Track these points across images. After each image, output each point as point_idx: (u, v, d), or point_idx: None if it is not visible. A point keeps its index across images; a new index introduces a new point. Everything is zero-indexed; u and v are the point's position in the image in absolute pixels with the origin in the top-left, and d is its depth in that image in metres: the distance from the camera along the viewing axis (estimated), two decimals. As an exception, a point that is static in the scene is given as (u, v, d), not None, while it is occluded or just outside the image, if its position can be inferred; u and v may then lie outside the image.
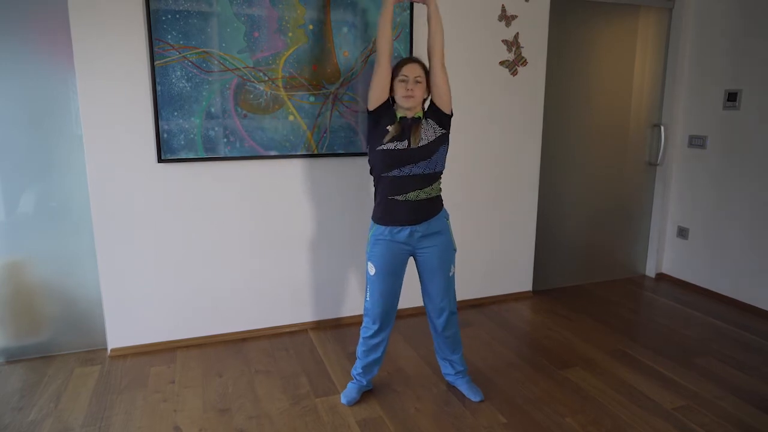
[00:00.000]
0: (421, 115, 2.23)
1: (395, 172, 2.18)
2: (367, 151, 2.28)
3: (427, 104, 2.29)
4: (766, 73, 3.30)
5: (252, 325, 3.06)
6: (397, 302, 2.35)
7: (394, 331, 3.08)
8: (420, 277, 2.36)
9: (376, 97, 2.20)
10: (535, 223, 3.62)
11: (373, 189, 2.31)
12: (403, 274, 2.32)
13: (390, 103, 2.25)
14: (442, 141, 2.23)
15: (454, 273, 2.35)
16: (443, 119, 2.25)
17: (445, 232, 2.30)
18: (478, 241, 3.45)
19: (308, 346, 2.95)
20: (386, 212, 2.23)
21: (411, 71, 2.18)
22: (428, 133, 2.20)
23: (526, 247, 3.62)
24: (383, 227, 2.25)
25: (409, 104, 2.17)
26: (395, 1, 2.20)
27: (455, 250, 2.35)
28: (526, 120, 3.42)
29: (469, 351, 2.86)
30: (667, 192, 4.00)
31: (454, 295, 2.38)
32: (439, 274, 2.29)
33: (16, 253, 2.71)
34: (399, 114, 2.21)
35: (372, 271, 2.27)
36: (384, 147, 2.17)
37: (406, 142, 2.16)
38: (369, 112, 2.23)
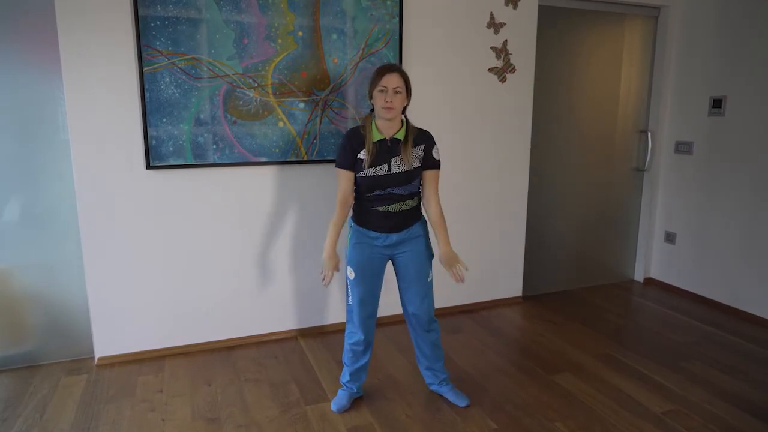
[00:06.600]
0: (402, 138, 2.19)
1: (377, 192, 2.19)
2: None
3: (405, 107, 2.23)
4: (750, 79, 3.36)
5: (241, 332, 3.04)
6: (377, 305, 2.35)
7: (384, 339, 3.07)
8: (398, 283, 2.36)
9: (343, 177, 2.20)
10: (525, 228, 3.64)
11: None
12: (383, 276, 2.33)
13: (358, 133, 2.19)
14: (422, 168, 2.24)
15: (431, 279, 2.36)
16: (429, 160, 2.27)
17: (423, 238, 2.31)
18: (468, 247, 3.46)
19: (297, 353, 2.93)
20: (367, 219, 2.25)
21: (390, 81, 2.11)
22: (413, 160, 2.19)
23: (516, 252, 3.64)
24: (363, 230, 2.26)
25: (389, 115, 2.13)
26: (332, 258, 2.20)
27: (432, 255, 2.35)
28: (515, 127, 3.44)
29: (459, 357, 2.86)
30: (655, 197, 4.04)
31: (432, 301, 2.37)
32: (416, 278, 2.29)
33: (1, 260, 2.67)
34: (376, 136, 2.17)
35: (351, 275, 2.27)
36: (364, 174, 2.16)
37: (386, 166, 2.16)
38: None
